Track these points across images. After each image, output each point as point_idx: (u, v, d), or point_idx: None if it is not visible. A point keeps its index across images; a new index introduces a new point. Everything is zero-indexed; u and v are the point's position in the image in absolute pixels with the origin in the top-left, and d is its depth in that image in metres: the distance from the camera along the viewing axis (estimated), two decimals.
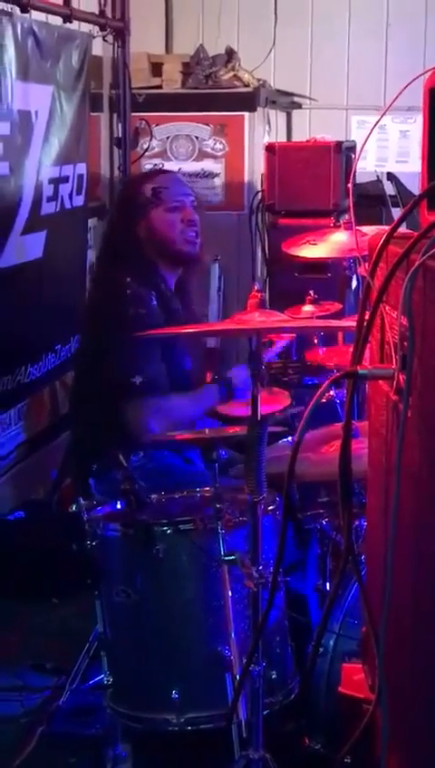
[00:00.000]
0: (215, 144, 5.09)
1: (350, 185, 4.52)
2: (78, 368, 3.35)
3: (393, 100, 1.91)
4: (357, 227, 2.77)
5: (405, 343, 1.48)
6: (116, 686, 2.48)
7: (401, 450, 1.48)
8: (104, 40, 4.66)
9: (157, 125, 5.06)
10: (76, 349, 3.73)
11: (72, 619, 3.30)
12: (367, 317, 1.58)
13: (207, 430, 2.64)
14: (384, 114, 2.03)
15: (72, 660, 2.85)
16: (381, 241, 1.56)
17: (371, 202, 5.31)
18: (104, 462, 2.83)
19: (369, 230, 2.96)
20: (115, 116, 4.93)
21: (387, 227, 1.62)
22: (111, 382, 2.93)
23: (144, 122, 4.98)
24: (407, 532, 1.55)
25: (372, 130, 4.28)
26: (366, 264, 1.86)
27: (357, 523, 2.59)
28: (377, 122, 1.88)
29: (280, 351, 3.41)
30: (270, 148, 4.85)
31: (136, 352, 2.90)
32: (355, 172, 4.74)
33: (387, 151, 5.83)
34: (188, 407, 3.02)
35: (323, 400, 3.10)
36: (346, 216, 4.18)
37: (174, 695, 2.35)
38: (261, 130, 5.24)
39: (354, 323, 1.62)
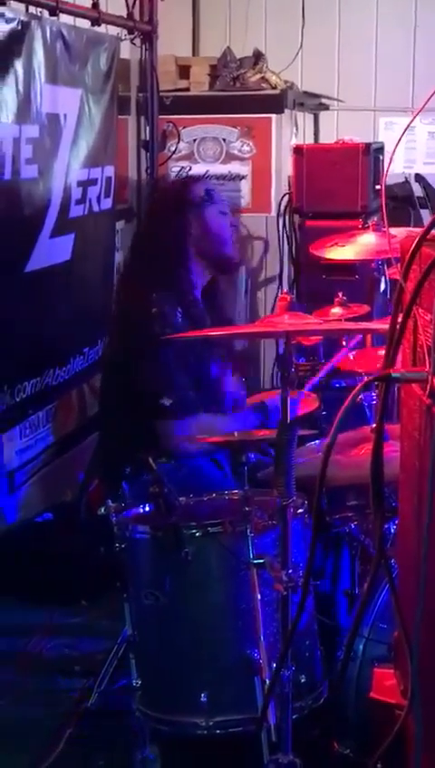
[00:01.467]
0: (242, 146, 5.09)
1: (382, 186, 4.50)
2: (106, 375, 3.34)
3: (426, 103, 1.89)
4: (386, 230, 2.76)
5: None
6: (144, 688, 2.47)
7: None
8: (132, 43, 4.67)
9: (184, 127, 5.06)
10: (103, 354, 3.72)
11: (101, 621, 3.31)
12: (400, 320, 1.56)
13: (236, 433, 2.63)
14: (416, 117, 2.01)
15: (100, 663, 2.85)
16: (415, 243, 1.55)
17: (399, 203, 5.29)
18: (138, 465, 2.83)
19: (397, 232, 2.94)
20: (142, 119, 4.94)
21: (415, 229, 1.61)
22: (141, 402, 2.94)
23: (171, 125, 4.98)
24: None
25: (403, 133, 4.26)
26: (397, 267, 1.84)
27: (386, 526, 2.58)
28: (408, 125, 1.87)
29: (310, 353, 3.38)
30: (298, 150, 4.84)
31: (164, 373, 2.91)
32: (387, 173, 4.72)
33: (415, 152, 5.80)
34: (219, 428, 3.00)
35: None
36: (374, 218, 4.17)
37: (203, 698, 2.34)
38: (288, 132, 5.23)
39: (384, 326, 1.61)
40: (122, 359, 3.02)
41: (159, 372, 2.90)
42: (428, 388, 1.54)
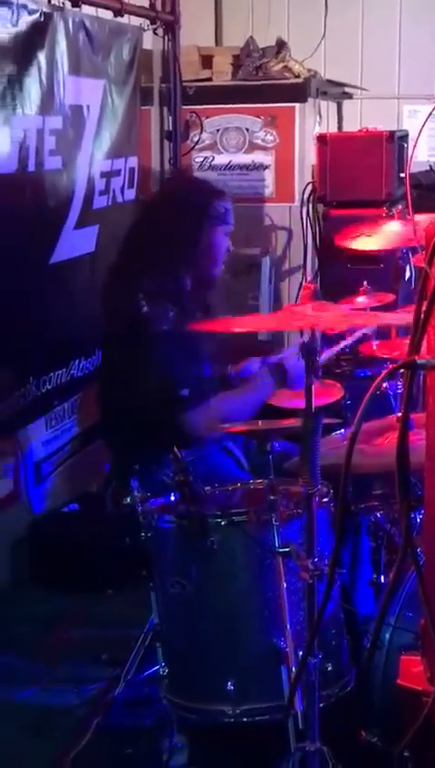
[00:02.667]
0: (265, 136, 5.07)
1: (406, 173, 4.47)
2: (104, 381, 3.33)
3: None
4: (412, 217, 2.75)
5: None
6: (171, 677, 2.49)
7: None
8: (154, 33, 4.66)
9: (207, 117, 5.05)
10: (97, 365, 3.72)
11: (127, 610, 3.32)
12: (425, 307, 1.56)
13: (260, 422, 2.63)
14: None
15: (127, 651, 2.86)
16: None
17: (423, 192, 5.24)
18: (145, 462, 2.84)
19: (422, 219, 2.93)
20: (165, 109, 4.93)
21: None
22: (161, 400, 2.94)
23: (194, 115, 4.98)
24: None
25: (426, 120, 4.19)
26: (422, 254, 1.83)
27: (412, 515, 2.57)
28: (431, 112, 1.86)
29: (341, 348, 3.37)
30: (322, 139, 4.81)
31: (174, 368, 2.92)
32: (411, 161, 4.69)
33: None
34: (241, 403, 3.01)
35: (377, 392, 3.07)
36: (399, 206, 4.15)
37: (229, 686, 2.35)
38: (312, 121, 5.21)
39: (407, 317, 1.60)
40: (121, 359, 3.01)
41: (170, 368, 2.91)
42: None
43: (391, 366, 1.56)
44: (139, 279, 3.02)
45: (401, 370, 1.62)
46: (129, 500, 2.58)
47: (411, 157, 4.69)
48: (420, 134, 3.19)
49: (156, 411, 2.94)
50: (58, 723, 2.87)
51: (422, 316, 1.55)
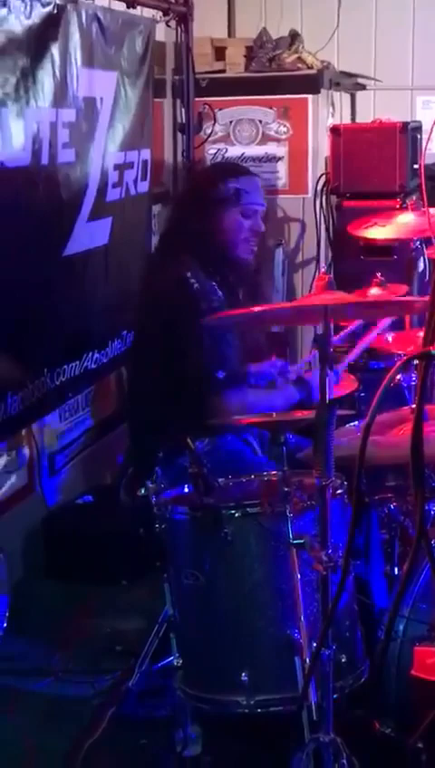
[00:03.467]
0: (278, 127, 5.06)
1: (421, 165, 4.45)
2: (137, 360, 3.34)
3: None
4: (424, 209, 2.74)
5: None
6: (186, 668, 2.49)
7: None
8: (167, 25, 4.66)
9: (220, 109, 5.04)
10: (132, 342, 3.74)
11: (142, 601, 3.34)
12: None
13: (275, 414, 2.63)
14: None
15: (141, 642, 2.87)
16: None
17: None
18: (170, 449, 2.84)
19: None
20: (178, 101, 4.93)
21: None
22: (194, 380, 2.94)
23: (207, 107, 4.97)
24: None
25: None
26: None
27: (427, 507, 2.57)
28: None
29: (347, 336, 3.38)
30: (335, 130, 4.80)
31: (216, 347, 2.91)
32: (425, 151, 4.67)
33: None
34: (268, 403, 3.01)
35: (391, 384, 3.07)
36: (413, 198, 4.13)
37: (243, 677, 2.36)
38: (325, 113, 5.19)
39: (422, 299, 1.60)
40: (162, 335, 3.01)
41: (211, 346, 2.90)
42: None
43: (405, 357, 1.56)
44: (183, 259, 3.04)
45: (416, 362, 1.62)
46: (143, 491, 2.59)
47: (426, 148, 4.67)
48: (434, 125, 3.13)
49: (189, 391, 2.93)
50: (73, 713, 2.88)
51: None
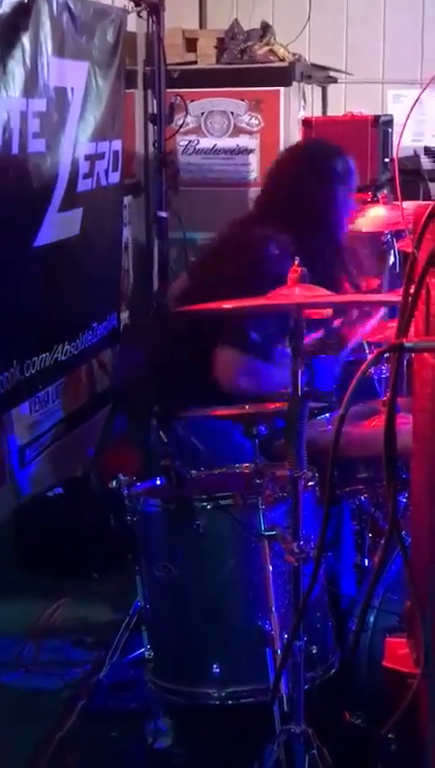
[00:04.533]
0: (250, 119, 5.06)
1: (394, 158, 4.47)
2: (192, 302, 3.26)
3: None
4: (396, 202, 2.75)
5: None
6: (157, 660, 2.49)
7: None
8: (139, 16, 4.63)
9: (192, 101, 5.03)
10: (82, 348, 3.69)
11: (113, 593, 3.33)
12: (412, 290, 1.56)
13: (247, 406, 2.63)
14: (425, 89, 1.99)
15: (112, 635, 2.87)
16: (428, 211, 1.55)
17: (408, 177, 5.25)
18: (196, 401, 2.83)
19: (407, 205, 2.93)
20: (150, 92, 4.91)
21: (425, 202, 1.60)
22: (227, 327, 2.90)
23: (179, 98, 4.95)
24: None
25: (412, 107, 4.20)
26: (407, 239, 1.84)
27: (397, 498, 2.58)
28: (418, 97, 1.86)
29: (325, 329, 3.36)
30: (307, 123, 4.81)
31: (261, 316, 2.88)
32: (399, 145, 4.69)
33: (424, 126, 5.76)
34: (278, 378, 2.98)
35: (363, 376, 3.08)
36: (384, 191, 4.15)
37: (215, 669, 2.37)
38: (296, 105, 5.20)
39: (396, 297, 1.61)
40: (222, 287, 2.92)
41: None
42: None
43: (379, 349, 1.56)
44: (279, 225, 3.01)
45: (388, 354, 1.62)
46: (115, 483, 2.58)
47: (399, 142, 4.69)
48: (407, 121, 3.16)
49: (212, 338, 2.88)
50: (43, 706, 2.87)
51: (410, 299, 1.55)
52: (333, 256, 3.11)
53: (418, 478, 1.85)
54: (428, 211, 1.54)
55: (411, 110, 4.50)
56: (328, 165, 3.13)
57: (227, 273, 2.97)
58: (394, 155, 4.53)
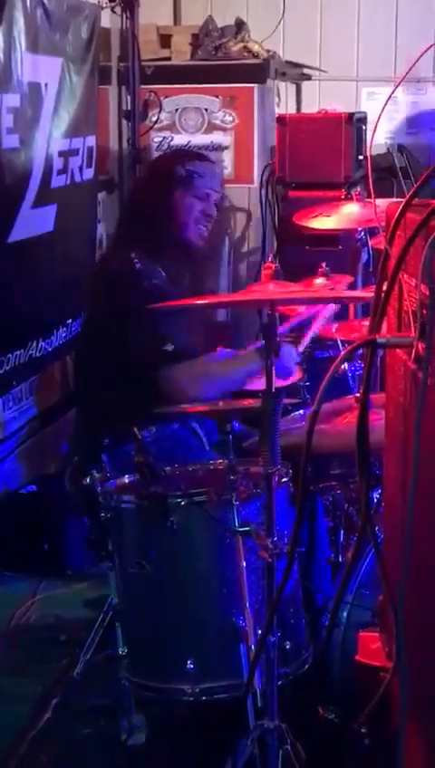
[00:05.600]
0: (224, 116, 5.06)
1: (367, 155, 4.48)
2: (85, 344, 3.32)
3: (407, 74, 1.90)
4: (369, 200, 2.77)
5: (425, 311, 1.47)
6: (130, 656, 2.49)
7: (421, 419, 1.47)
8: (113, 11, 4.62)
9: (165, 97, 5.02)
10: (85, 323, 3.72)
11: (87, 590, 3.33)
12: (385, 286, 1.57)
13: (221, 402, 2.64)
14: (397, 87, 2.01)
15: (86, 632, 2.86)
16: (400, 208, 1.55)
17: (381, 174, 5.26)
18: (117, 436, 2.83)
19: (381, 202, 2.94)
20: (124, 88, 4.89)
21: (398, 199, 1.61)
22: (142, 354, 2.92)
23: (153, 94, 4.94)
24: (425, 500, 1.55)
25: (385, 104, 4.22)
26: (381, 236, 1.85)
27: (371, 494, 2.60)
28: (390, 95, 1.87)
29: (295, 326, 3.39)
30: (281, 120, 4.81)
31: (162, 322, 2.90)
32: (372, 143, 4.70)
33: (397, 123, 5.78)
34: (227, 371, 2.98)
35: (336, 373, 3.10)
36: (358, 188, 4.15)
37: (189, 665, 2.36)
38: (271, 102, 5.20)
39: (368, 294, 1.62)
40: (111, 321, 3.00)
41: (156, 321, 2.89)
42: (413, 353, 1.55)
43: (352, 345, 1.57)
44: (132, 242, 3.06)
45: (361, 351, 1.63)
46: (88, 480, 2.58)
47: (372, 139, 4.70)
48: (379, 118, 3.17)
49: (136, 373, 2.92)
50: (17, 703, 2.86)
51: (382, 296, 1.56)
52: (183, 260, 3.12)
53: (390, 474, 1.86)
54: (399, 209, 1.55)
55: (384, 107, 4.51)
56: (166, 170, 3.14)
57: (107, 310, 3.02)
58: (368, 152, 4.53)
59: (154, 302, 2.74)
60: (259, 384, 2.56)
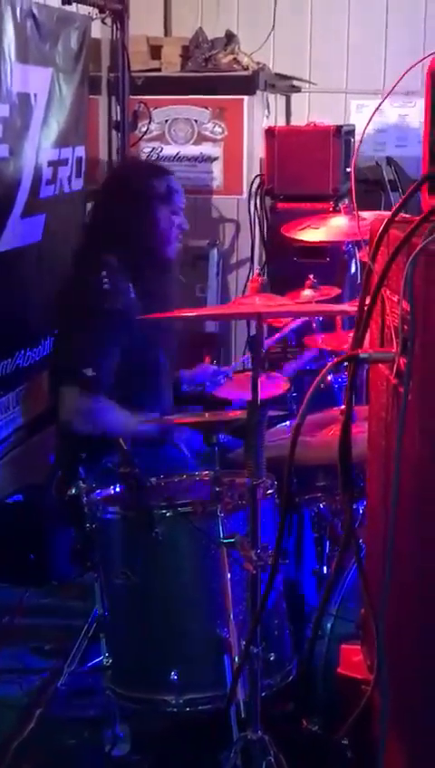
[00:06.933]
0: (214, 127, 5.08)
1: (352, 168, 4.51)
2: (55, 359, 3.36)
3: (394, 86, 1.91)
4: (356, 212, 2.79)
5: (406, 327, 1.48)
6: (115, 667, 2.49)
7: (402, 433, 1.48)
8: (103, 22, 4.63)
9: (155, 108, 5.04)
10: (43, 355, 3.74)
11: (71, 601, 3.32)
12: (368, 301, 1.58)
13: (207, 414, 2.65)
14: (384, 100, 2.01)
15: (70, 642, 2.86)
16: (383, 225, 1.57)
17: (369, 187, 5.30)
18: (93, 450, 2.84)
19: (368, 215, 2.96)
20: (114, 99, 4.90)
21: (386, 212, 1.63)
22: (65, 364, 2.93)
23: (142, 105, 4.96)
24: (407, 514, 1.56)
25: (371, 116, 4.24)
26: (367, 249, 1.86)
27: (355, 506, 2.61)
28: (377, 108, 1.89)
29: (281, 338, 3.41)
30: (270, 132, 4.84)
31: (97, 346, 2.91)
32: (356, 156, 4.72)
33: (386, 135, 5.82)
34: (119, 422, 2.99)
35: (322, 385, 3.12)
36: (346, 201, 4.18)
37: (173, 676, 2.37)
38: (260, 114, 5.22)
39: (354, 308, 1.63)
40: (67, 331, 3.02)
41: (93, 342, 2.90)
42: (394, 368, 1.56)
43: (334, 360, 1.58)
44: (103, 258, 3.06)
45: (347, 363, 1.64)
46: (74, 491, 2.58)
47: (356, 152, 4.72)
48: (365, 129, 3.18)
49: (55, 377, 2.93)
50: (1, 714, 2.86)
51: (365, 311, 1.57)
52: (158, 276, 3.13)
53: (372, 486, 1.87)
54: (382, 225, 1.56)
55: (370, 119, 4.53)
56: (143, 187, 3.14)
57: (74, 324, 3.02)
58: (353, 165, 4.56)
59: (108, 324, 2.75)
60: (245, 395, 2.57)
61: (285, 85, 5.72)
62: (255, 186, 5.02)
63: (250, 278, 2.76)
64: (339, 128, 4.81)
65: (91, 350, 2.92)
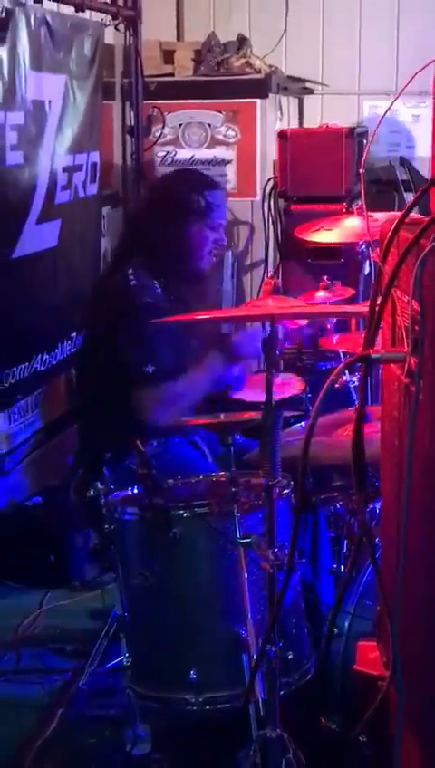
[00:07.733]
0: (227, 131, 5.11)
1: (361, 170, 4.52)
2: (85, 359, 3.37)
3: (405, 87, 1.93)
4: (369, 213, 2.80)
5: (416, 327, 1.50)
6: (135, 667, 2.51)
7: (413, 432, 1.50)
8: (116, 29, 4.68)
9: (169, 112, 5.08)
10: (81, 343, 3.77)
11: (92, 601, 3.35)
12: (379, 302, 1.60)
13: (222, 415, 2.67)
14: (395, 100, 2.03)
15: (91, 643, 2.89)
16: (393, 227, 1.59)
17: (383, 187, 5.31)
18: (118, 450, 2.87)
19: (381, 216, 2.98)
20: (127, 104, 4.95)
21: (398, 213, 1.64)
22: (124, 370, 2.96)
23: (156, 110, 5.00)
24: (420, 512, 1.58)
25: (382, 117, 4.25)
26: (378, 250, 1.88)
27: (371, 506, 2.63)
28: (388, 109, 1.90)
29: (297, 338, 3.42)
30: (283, 135, 4.86)
31: (147, 341, 2.93)
32: (366, 157, 4.73)
33: (399, 136, 5.82)
34: (194, 386, 3.02)
35: (337, 385, 3.13)
36: (359, 202, 4.20)
37: (192, 675, 2.39)
38: (273, 117, 5.25)
39: (364, 308, 1.65)
40: (105, 336, 3.04)
41: (142, 340, 2.92)
42: (406, 368, 1.58)
43: (347, 360, 1.60)
44: (132, 258, 3.07)
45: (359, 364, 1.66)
46: (92, 492, 2.61)
47: (367, 153, 4.74)
48: (376, 130, 3.20)
49: (122, 390, 2.95)
50: (23, 713, 2.88)
51: (376, 311, 1.59)
52: (187, 287, 3.13)
53: (386, 486, 1.89)
54: (392, 226, 1.59)
55: (381, 120, 4.54)
56: (183, 199, 3.10)
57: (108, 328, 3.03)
58: (362, 167, 4.57)
59: (146, 318, 2.77)
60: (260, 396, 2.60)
61: (298, 87, 5.73)
62: (268, 188, 5.04)
63: (264, 280, 2.78)
64: (352, 129, 4.82)
65: (140, 348, 2.93)
